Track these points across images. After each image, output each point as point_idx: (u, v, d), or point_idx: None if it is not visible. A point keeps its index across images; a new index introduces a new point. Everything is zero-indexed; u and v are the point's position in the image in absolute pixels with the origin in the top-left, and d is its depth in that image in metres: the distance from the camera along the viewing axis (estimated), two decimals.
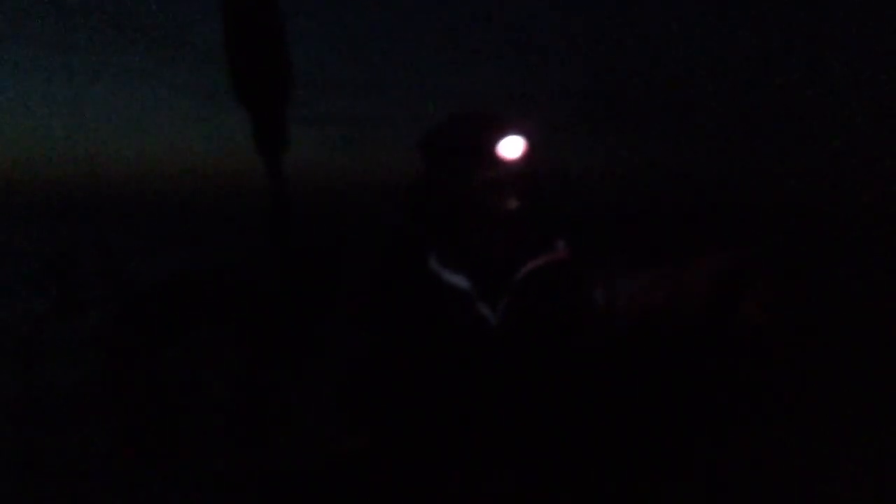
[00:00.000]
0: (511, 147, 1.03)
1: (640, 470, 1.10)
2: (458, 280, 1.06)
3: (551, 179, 1.10)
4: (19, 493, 3.37)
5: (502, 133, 1.04)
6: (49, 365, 5.51)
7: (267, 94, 1.16)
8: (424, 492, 1.02)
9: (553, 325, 1.06)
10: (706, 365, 1.13)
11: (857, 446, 3.14)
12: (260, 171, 1.31)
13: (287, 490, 1.15)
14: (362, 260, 1.19)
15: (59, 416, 4.40)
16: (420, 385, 1.03)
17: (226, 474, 3.32)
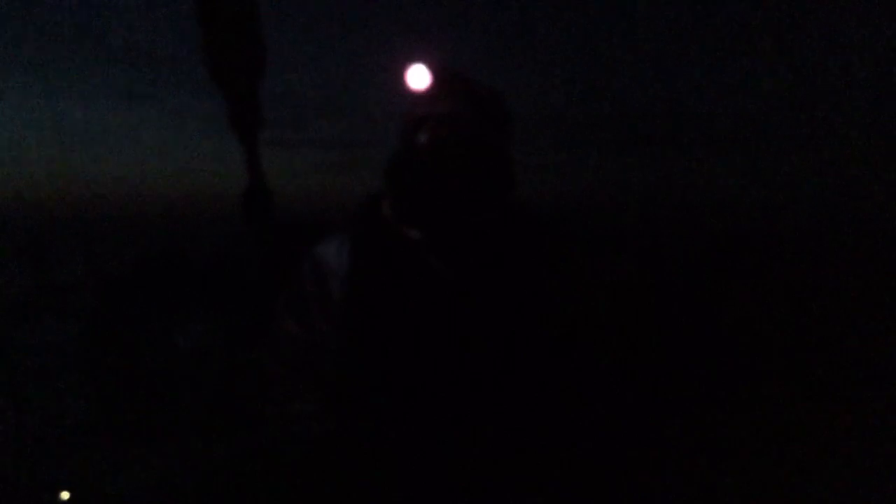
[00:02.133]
0: (415, 76, 1.02)
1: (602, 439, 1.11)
2: (412, 231, 1.05)
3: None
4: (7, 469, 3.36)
5: (409, 65, 1.04)
6: (29, 346, 5.46)
7: (240, 72, 1.16)
8: (393, 471, 1.02)
9: (506, 281, 1.04)
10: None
11: None
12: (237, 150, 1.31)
13: (258, 469, 1.15)
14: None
15: (39, 395, 4.37)
16: (387, 341, 1.02)
17: (208, 453, 3.34)
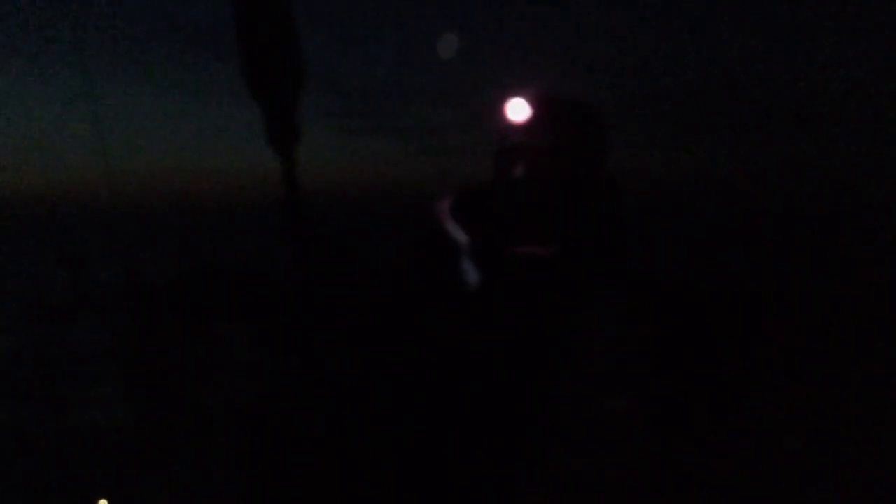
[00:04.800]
0: (514, 109, 1.01)
1: None
2: (458, 233, 1.06)
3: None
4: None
5: (511, 97, 1.02)
6: (66, 357, 5.56)
7: (279, 87, 1.16)
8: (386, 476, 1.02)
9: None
10: None
11: None
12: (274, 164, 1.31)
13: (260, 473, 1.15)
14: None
15: (75, 404, 4.44)
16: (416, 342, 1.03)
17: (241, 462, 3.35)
